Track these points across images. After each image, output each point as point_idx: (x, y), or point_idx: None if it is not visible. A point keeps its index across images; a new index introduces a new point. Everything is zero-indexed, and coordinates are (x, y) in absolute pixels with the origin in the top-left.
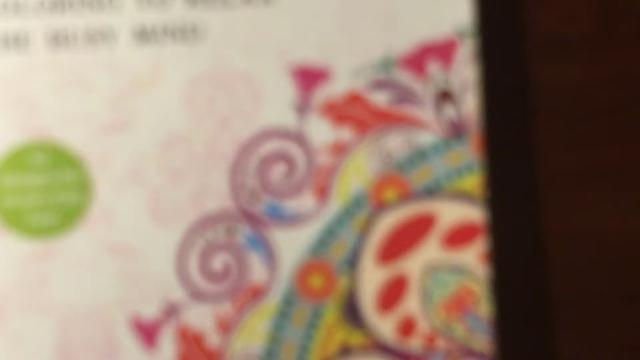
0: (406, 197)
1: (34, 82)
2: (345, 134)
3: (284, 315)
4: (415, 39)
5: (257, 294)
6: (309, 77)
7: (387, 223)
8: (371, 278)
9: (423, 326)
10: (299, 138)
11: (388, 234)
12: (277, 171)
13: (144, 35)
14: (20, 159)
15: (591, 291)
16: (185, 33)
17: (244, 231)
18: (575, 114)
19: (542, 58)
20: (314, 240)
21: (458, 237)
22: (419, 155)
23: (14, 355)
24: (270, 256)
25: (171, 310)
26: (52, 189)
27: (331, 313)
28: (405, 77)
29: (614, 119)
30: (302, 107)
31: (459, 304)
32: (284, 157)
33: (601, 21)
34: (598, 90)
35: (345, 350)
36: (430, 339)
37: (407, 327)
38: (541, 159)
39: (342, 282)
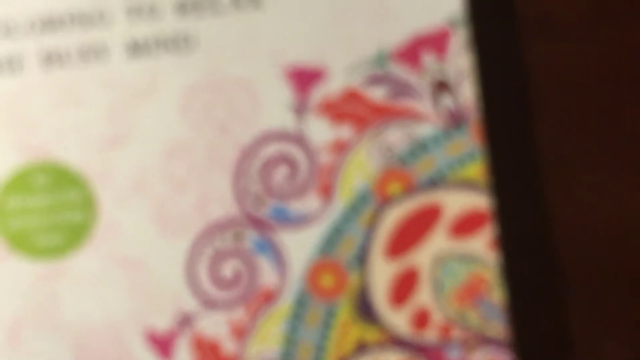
0: (410, 189)
1: (30, 103)
2: (345, 131)
3: (297, 316)
4: (408, 31)
5: (269, 297)
6: (304, 78)
7: (394, 217)
8: (382, 273)
9: (437, 317)
10: (299, 139)
11: (395, 227)
12: (280, 174)
13: (136, 48)
14: (22, 181)
15: (602, 271)
16: (178, 43)
17: (251, 236)
18: (574, 96)
19: (537, 41)
20: (321, 239)
21: (465, 225)
22: (420, 147)
23: None
24: (279, 259)
25: (185, 320)
26: (56, 209)
27: (344, 311)
28: (400, 71)
29: (613, 99)
30: (300, 108)
31: (472, 292)
32: (286, 159)
33: (593, 1)
34: (596, 70)
35: (362, 347)
36: (446, 330)
37: (421, 319)
38: (543, 143)
39: (353, 279)
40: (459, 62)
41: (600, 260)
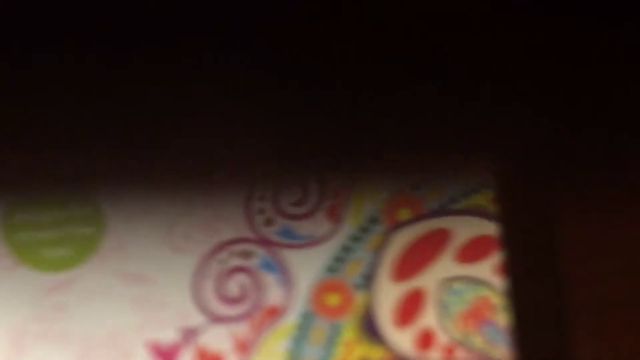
0: (419, 215)
1: None
2: None
3: (302, 334)
4: None
5: (274, 314)
6: None
7: (402, 241)
8: (388, 294)
9: (442, 338)
10: None
11: (403, 250)
12: (291, 195)
13: None
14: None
15: (606, 300)
16: None
17: (259, 254)
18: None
19: None
20: (328, 259)
21: (473, 250)
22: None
23: None
24: (285, 277)
25: (190, 334)
26: (66, 222)
27: (349, 329)
28: None
29: None
30: None
31: (477, 315)
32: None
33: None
34: None
35: None
36: (450, 351)
37: (425, 340)
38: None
39: (359, 299)
40: None
41: (606, 289)
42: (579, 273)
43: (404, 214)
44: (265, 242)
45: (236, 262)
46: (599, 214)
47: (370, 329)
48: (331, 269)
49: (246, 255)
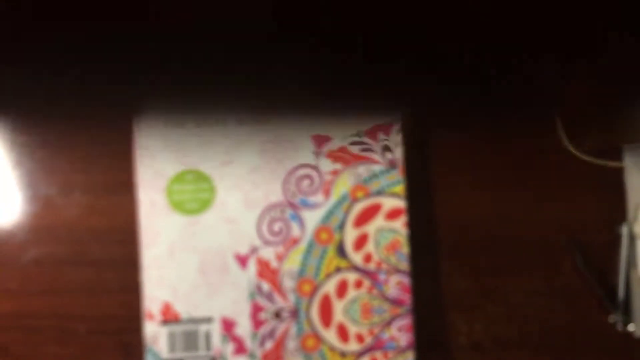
0: (367, 195)
1: (189, 144)
2: (338, 166)
3: (308, 252)
4: (373, 122)
5: (295, 242)
6: (320, 140)
7: (359, 208)
8: (350, 234)
9: (376, 257)
10: (316, 168)
11: (359, 213)
12: (305, 183)
13: (242, 122)
14: (181, 177)
15: (467, 239)
16: (259, 119)
17: (289, 212)
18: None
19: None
20: (323, 216)
21: (393, 215)
22: (374, 176)
23: (178, 273)
24: (302, 224)
25: (254, 250)
26: (196, 192)
27: (331, 251)
28: (367, 140)
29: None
30: (317, 154)
31: (393, 247)
32: (308, 177)
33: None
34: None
35: (338, 269)
36: (379, 264)
37: (367, 258)
38: (435, 177)
39: (337, 236)
40: (396, 138)
41: (468, 233)
42: (448, 230)
43: (360, 194)
44: (292, 205)
45: (277, 214)
46: (463, 199)
47: (341, 252)
48: (324, 220)
49: (282, 212)
